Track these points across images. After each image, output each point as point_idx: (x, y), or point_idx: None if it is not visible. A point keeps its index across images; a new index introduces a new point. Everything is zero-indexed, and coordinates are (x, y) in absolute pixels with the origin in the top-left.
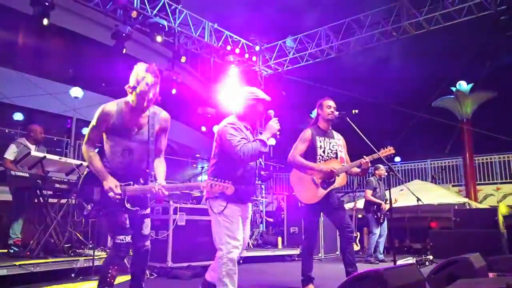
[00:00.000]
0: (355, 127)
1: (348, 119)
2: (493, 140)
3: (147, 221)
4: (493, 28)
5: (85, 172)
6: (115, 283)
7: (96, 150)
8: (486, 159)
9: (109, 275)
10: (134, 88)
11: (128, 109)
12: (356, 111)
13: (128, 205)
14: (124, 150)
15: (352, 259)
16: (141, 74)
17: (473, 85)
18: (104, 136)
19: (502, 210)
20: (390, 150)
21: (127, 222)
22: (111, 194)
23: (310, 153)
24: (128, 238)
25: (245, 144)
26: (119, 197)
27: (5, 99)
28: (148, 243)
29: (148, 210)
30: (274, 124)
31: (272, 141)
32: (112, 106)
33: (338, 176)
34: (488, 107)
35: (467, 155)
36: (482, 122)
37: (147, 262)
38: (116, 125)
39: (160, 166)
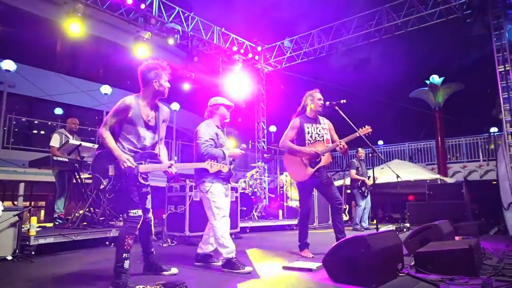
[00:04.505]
0: (343, 114)
1: (337, 108)
2: (460, 125)
3: (149, 197)
4: (461, 29)
5: (96, 153)
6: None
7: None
8: (455, 141)
9: (126, 243)
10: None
11: (144, 102)
12: (344, 100)
13: (141, 180)
14: (140, 136)
15: (341, 227)
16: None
17: (444, 78)
18: (122, 124)
19: None
20: (368, 128)
21: (138, 198)
22: (128, 164)
23: (300, 138)
24: (140, 212)
25: (210, 146)
26: (134, 166)
27: (47, 96)
28: (150, 215)
29: (148, 189)
30: (238, 153)
31: (273, 128)
32: (131, 99)
33: (323, 156)
34: (456, 97)
35: (439, 138)
36: (452, 110)
37: (151, 231)
38: (135, 115)
39: (163, 150)
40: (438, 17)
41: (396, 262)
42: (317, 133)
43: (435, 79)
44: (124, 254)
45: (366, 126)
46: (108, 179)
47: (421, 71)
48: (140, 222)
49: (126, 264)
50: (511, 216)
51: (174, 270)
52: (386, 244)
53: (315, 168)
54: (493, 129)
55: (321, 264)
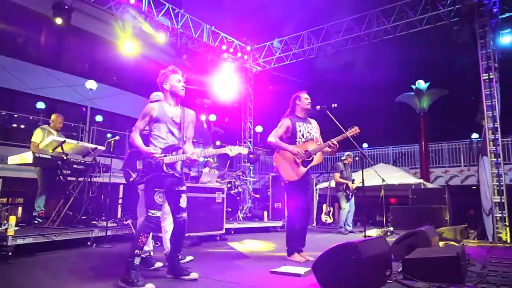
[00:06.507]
0: (333, 118)
1: (328, 112)
2: (443, 130)
3: (184, 196)
4: (448, 36)
5: (128, 151)
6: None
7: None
8: (437, 146)
9: (140, 240)
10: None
11: (167, 104)
12: (335, 105)
13: (164, 168)
14: (167, 132)
15: (304, 235)
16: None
17: (429, 84)
18: (151, 125)
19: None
20: (356, 129)
21: (160, 200)
22: (152, 151)
23: (292, 136)
24: (158, 213)
25: None
26: (160, 156)
27: (28, 90)
28: (185, 214)
29: (184, 187)
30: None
31: (259, 128)
32: (154, 103)
33: (315, 155)
34: (441, 103)
35: (423, 143)
36: (436, 115)
37: (185, 232)
38: (160, 114)
39: (189, 147)
40: (426, 23)
41: (384, 269)
42: (308, 132)
43: (421, 84)
44: (137, 251)
45: (355, 127)
46: (137, 172)
47: (408, 75)
48: (158, 224)
49: (137, 260)
50: (490, 221)
51: (194, 275)
52: (376, 251)
53: (307, 168)
54: (475, 135)
55: (309, 269)
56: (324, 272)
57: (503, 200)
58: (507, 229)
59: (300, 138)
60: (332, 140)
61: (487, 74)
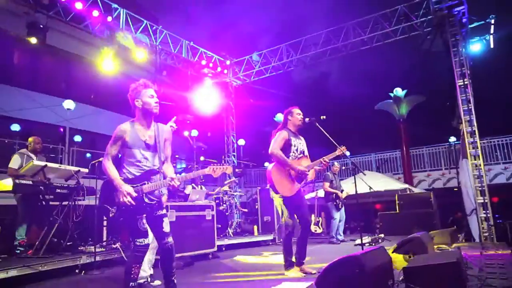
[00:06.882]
0: (323, 130)
1: (317, 124)
2: (423, 135)
3: (166, 220)
4: (422, 45)
5: (102, 182)
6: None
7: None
8: (418, 151)
9: (133, 272)
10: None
11: (139, 124)
12: (324, 117)
13: (146, 200)
14: (142, 158)
15: (304, 247)
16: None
17: (407, 91)
18: (124, 150)
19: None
20: (344, 148)
21: (145, 226)
22: (126, 199)
23: (286, 149)
24: (146, 241)
25: None
26: (132, 201)
27: (2, 112)
28: (170, 239)
29: (164, 211)
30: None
31: (242, 142)
32: (126, 124)
33: (308, 172)
34: (419, 109)
35: (404, 148)
36: (415, 121)
37: (174, 256)
38: (132, 138)
39: (169, 168)
40: (401, 33)
41: (387, 279)
42: (301, 148)
43: (399, 91)
44: (131, 283)
45: (342, 146)
46: (116, 206)
47: (385, 84)
48: (147, 251)
49: None
50: (474, 221)
51: None
52: (378, 262)
53: (301, 184)
54: (452, 139)
55: (310, 283)
56: (327, 286)
57: (486, 201)
58: (493, 228)
59: (294, 152)
60: (324, 158)
61: (462, 80)
